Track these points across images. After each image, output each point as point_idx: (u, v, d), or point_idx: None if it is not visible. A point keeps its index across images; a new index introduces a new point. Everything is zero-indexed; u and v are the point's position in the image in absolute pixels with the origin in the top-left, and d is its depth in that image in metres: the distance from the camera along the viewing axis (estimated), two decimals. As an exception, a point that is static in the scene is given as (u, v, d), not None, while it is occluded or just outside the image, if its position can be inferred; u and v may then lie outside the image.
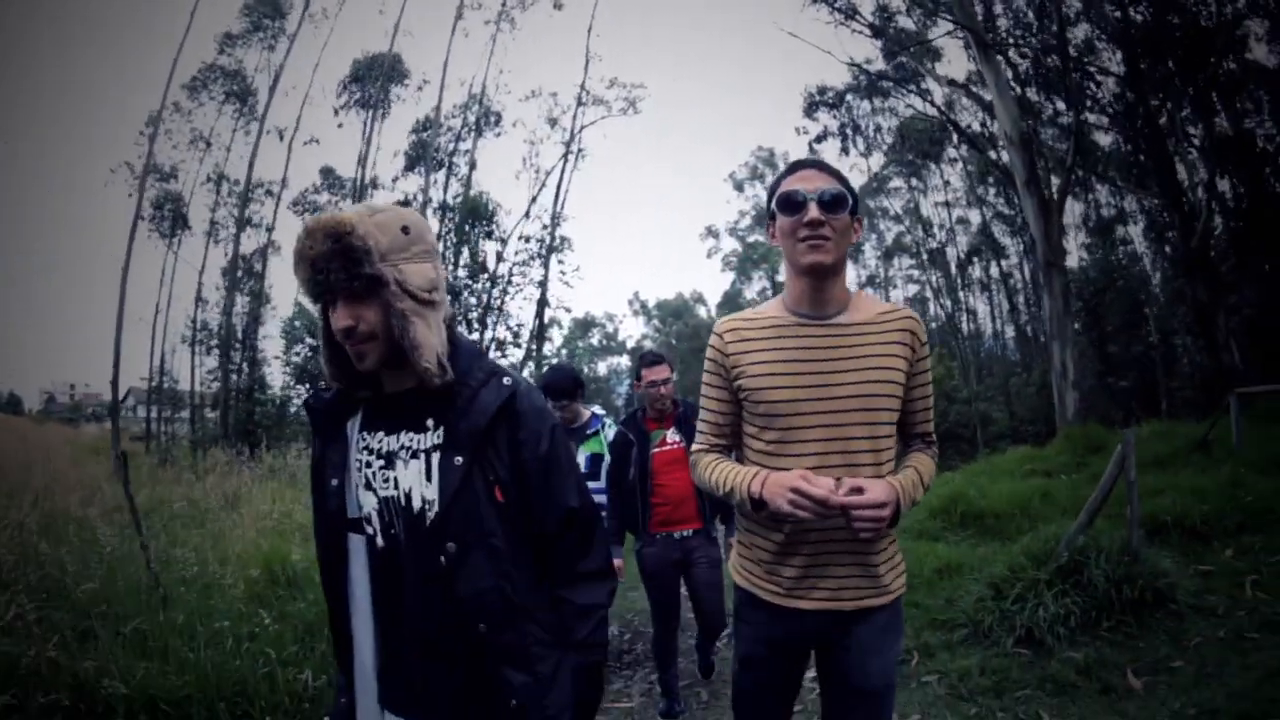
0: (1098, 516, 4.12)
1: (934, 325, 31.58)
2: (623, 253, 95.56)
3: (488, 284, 20.23)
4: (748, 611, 1.70)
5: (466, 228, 20.30)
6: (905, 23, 18.46)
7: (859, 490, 1.45)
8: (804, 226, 1.56)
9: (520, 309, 21.64)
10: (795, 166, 1.67)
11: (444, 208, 21.79)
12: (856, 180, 29.91)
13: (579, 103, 23.14)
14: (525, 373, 19.84)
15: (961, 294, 31.96)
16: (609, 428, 3.90)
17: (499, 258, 20.82)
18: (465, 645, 1.27)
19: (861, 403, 1.56)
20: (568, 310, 24.09)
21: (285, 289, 25.36)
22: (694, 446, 1.80)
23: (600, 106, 23.57)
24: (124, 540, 4.03)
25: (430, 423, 1.32)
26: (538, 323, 21.40)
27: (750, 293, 40.69)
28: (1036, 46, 15.22)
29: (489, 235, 20.60)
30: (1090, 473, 7.17)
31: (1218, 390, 8.98)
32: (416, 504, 1.29)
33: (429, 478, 1.29)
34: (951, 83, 17.97)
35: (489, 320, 20.16)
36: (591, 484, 3.72)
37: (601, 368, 48.03)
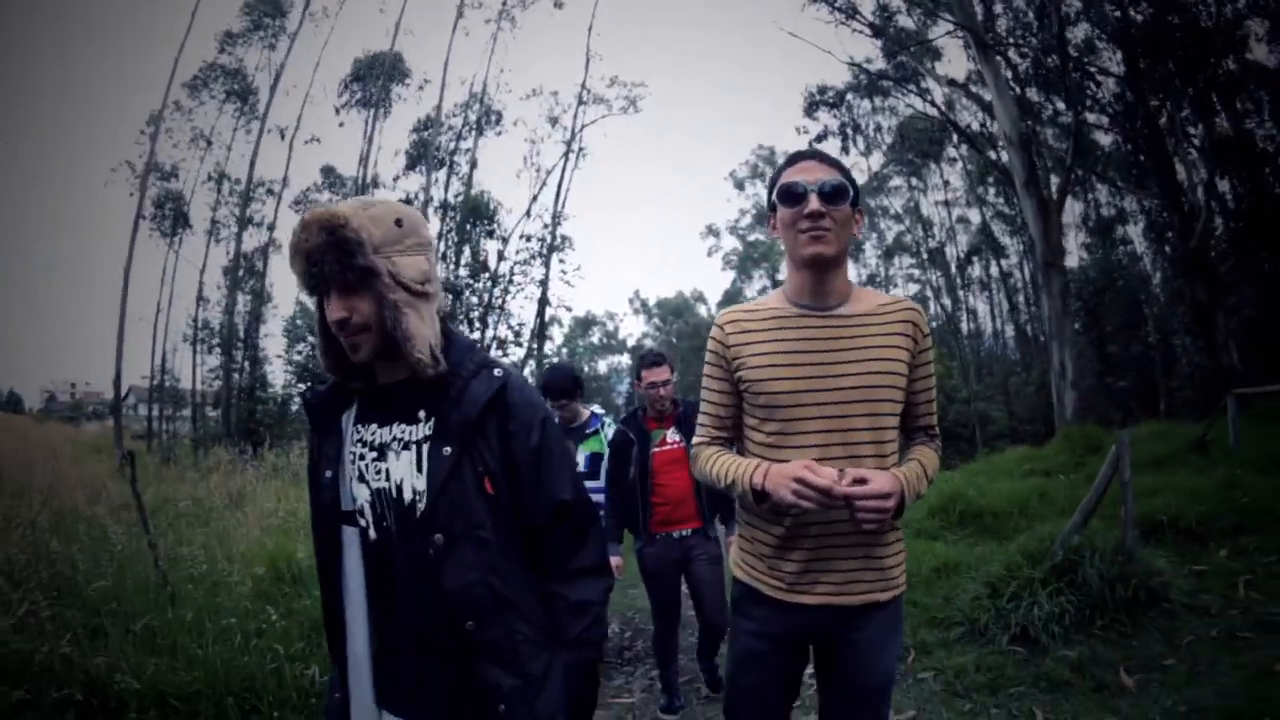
0: (1093, 516, 4.17)
1: (934, 324, 31.63)
2: (623, 251, 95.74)
3: (489, 283, 20.27)
4: (748, 606, 1.67)
5: (468, 227, 20.33)
6: (905, 22, 18.51)
7: (862, 481, 1.44)
8: (805, 218, 1.55)
9: (521, 308, 21.71)
10: (796, 158, 1.65)
11: (445, 206, 21.83)
12: (856, 179, 29.88)
13: (580, 101, 23.19)
14: (526, 371, 19.88)
15: (961, 293, 31.99)
16: (609, 426, 3.91)
17: (500, 256, 20.89)
18: (456, 642, 1.27)
19: (864, 394, 1.55)
20: (568, 309, 24.18)
21: (286, 288, 25.39)
22: (694, 439, 1.77)
23: (601, 105, 23.62)
24: (132, 539, 4.08)
25: (422, 414, 1.32)
26: (538, 322, 21.45)
27: (751, 291, 40.71)
28: (1036, 46, 15.24)
29: (490, 234, 20.67)
30: (1088, 473, 7.20)
31: (1216, 391, 9.02)
32: (408, 495, 1.30)
33: (420, 469, 1.30)
34: (951, 82, 18.01)
35: (490, 319, 20.20)
36: (591, 483, 3.73)
37: (602, 366, 48.09)
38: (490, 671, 1.26)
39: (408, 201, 22.41)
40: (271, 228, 22.85)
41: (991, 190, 26.35)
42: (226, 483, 6.71)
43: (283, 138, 22.92)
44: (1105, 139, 17.50)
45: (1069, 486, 6.93)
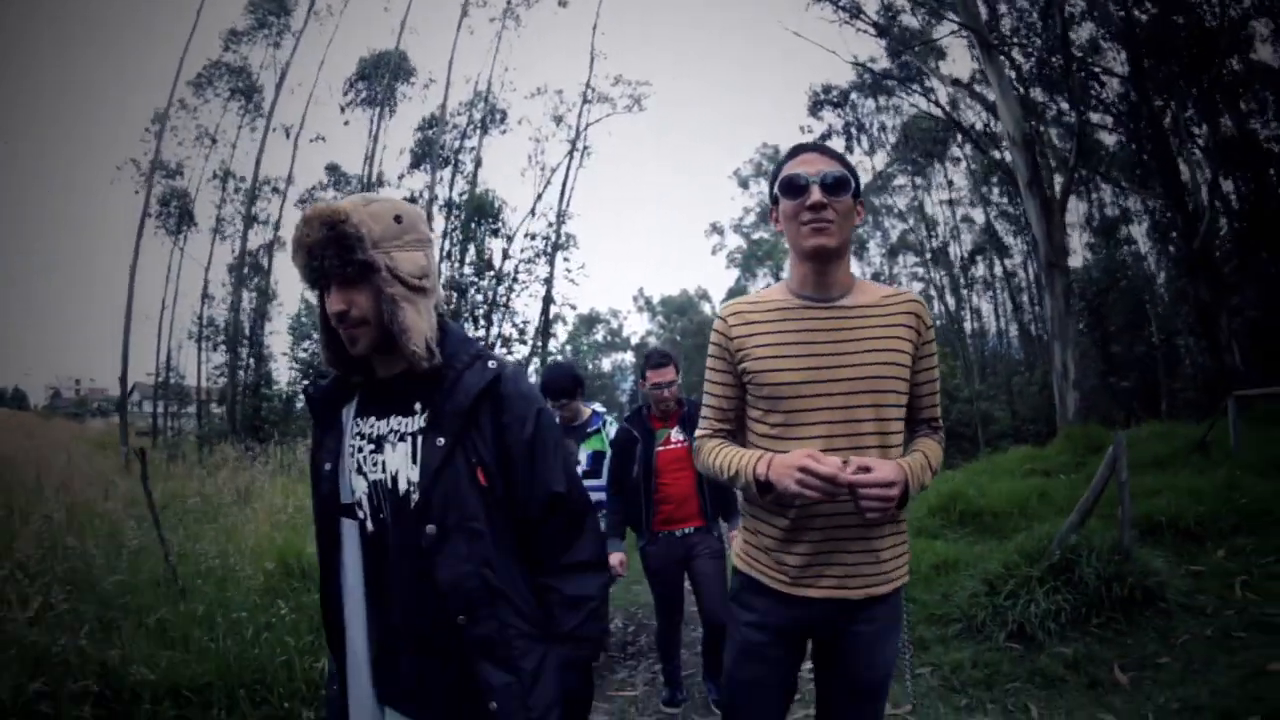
0: (1092, 516, 4.22)
1: (939, 324, 31.62)
2: (627, 249, 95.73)
3: (493, 281, 20.32)
4: (749, 597, 1.66)
5: (473, 225, 20.38)
6: (909, 21, 18.51)
7: (866, 469, 1.43)
8: (807, 210, 1.55)
9: (526, 306, 21.80)
10: (797, 150, 1.65)
11: (450, 205, 21.88)
12: (860, 178, 29.86)
13: (584, 100, 23.22)
14: (530, 369, 19.94)
15: (965, 292, 31.98)
16: (610, 425, 3.93)
17: (505, 255, 20.92)
18: (452, 638, 1.27)
19: (867, 384, 1.55)
20: (573, 307, 24.19)
21: (291, 285, 25.55)
22: (697, 432, 1.76)
23: (605, 103, 23.64)
24: (143, 534, 4.15)
25: (418, 406, 1.34)
26: (543, 320, 21.50)
27: (755, 289, 40.73)
28: (1040, 46, 15.23)
29: (495, 233, 20.70)
30: (1088, 472, 7.22)
31: (1219, 391, 9.03)
32: (403, 487, 1.31)
33: (414, 460, 1.31)
34: (955, 82, 18.00)
35: (495, 317, 20.26)
36: (594, 482, 3.75)
37: (606, 364, 48.17)
38: (482, 667, 1.26)
39: (412, 199, 22.49)
40: (276, 226, 22.95)
41: (995, 190, 26.34)
42: (234, 479, 6.79)
43: (288, 136, 23.03)
44: (1109, 139, 17.51)
45: (1069, 486, 6.96)
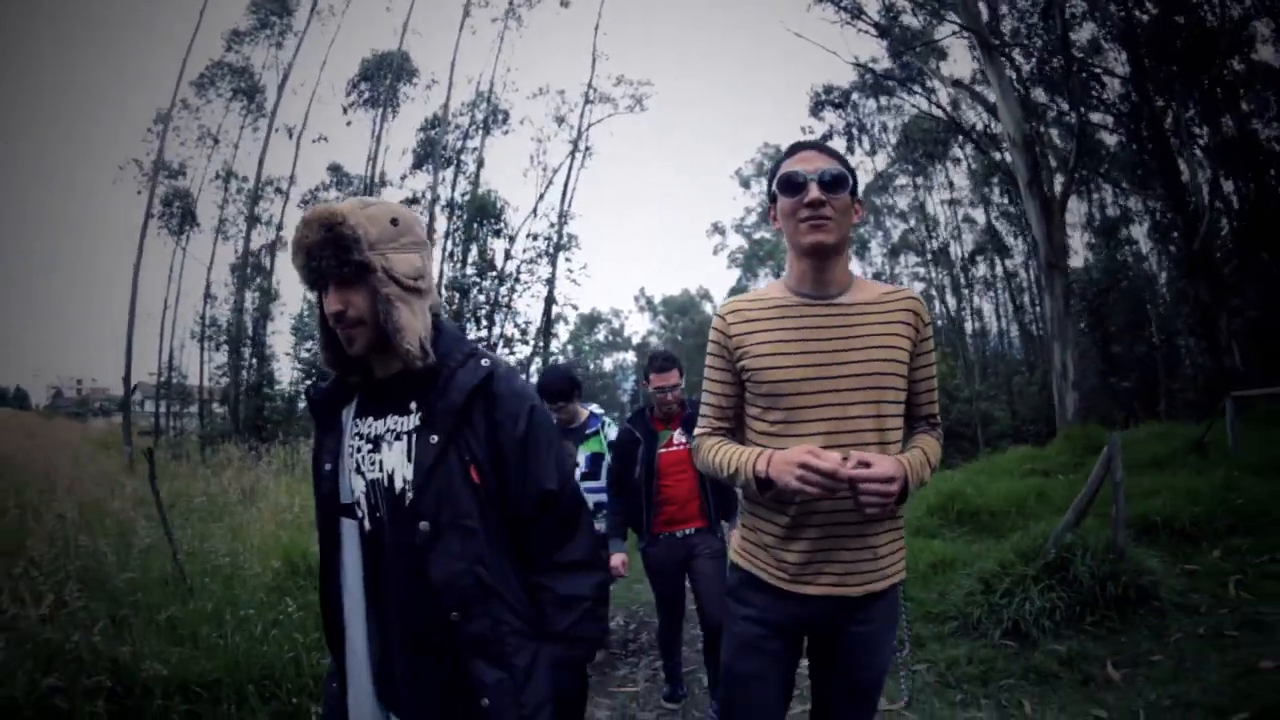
0: (1089, 516, 4.27)
1: (940, 323, 31.64)
2: (628, 249, 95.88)
3: (496, 281, 20.37)
4: (747, 593, 1.65)
5: (475, 226, 20.43)
6: (910, 21, 18.54)
7: (866, 464, 1.44)
8: (805, 207, 1.56)
9: (528, 306, 21.84)
10: (795, 148, 1.66)
11: (452, 205, 21.94)
12: (862, 179, 29.89)
13: (586, 100, 23.30)
14: (532, 369, 20.00)
15: (966, 292, 32.01)
16: (609, 426, 3.95)
17: (507, 255, 20.97)
18: (447, 637, 1.28)
19: (866, 381, 1.55)
20: (575, 307, 24.24)
21: (294, 285, 25.58)
22: (696, 430, 1.76)
23: (607, 104, 23.73)
24: (151, 533, 4.21)
25: (413, 405, 1.36)
26: (545, 320, 21.54)
27: (764, 284, 40.78)
28: (1041, 47, 15.26)
29: (497, 234, 20.76)
30: (1087, 473, 7.20)
31: (1218, 392, 9.07)
32: (398, 485, 1.32)
33: (409, 458, 1.32)
34: (956, 83, 18.03)
35: (497, 317, 20.31)
36: (592, 483, 3.79)
37: (607, 363, 48.23)
38: (474, 664, 1.27)
39: (414, 200, 22.63)
40: (279, 226, 23.03)
41: (996, 190, 26.36)
42: (239, 479, 6.84)
43: (290, 136, 23.10)
44: (1110, 139, 17.54)
45: (1067, 486, 7.00)
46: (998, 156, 17.01)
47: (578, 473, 3.81)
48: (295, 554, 4.21)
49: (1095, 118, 16.01)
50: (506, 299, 20.61)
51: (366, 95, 23.57)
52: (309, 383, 1.52)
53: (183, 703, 2.92)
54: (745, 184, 39.06)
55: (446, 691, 1.30)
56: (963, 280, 31.55)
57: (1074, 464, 8.59)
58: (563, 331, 27.66)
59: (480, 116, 23.08)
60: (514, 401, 1.36)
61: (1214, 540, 4.92)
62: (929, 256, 31.98)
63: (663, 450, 3.49)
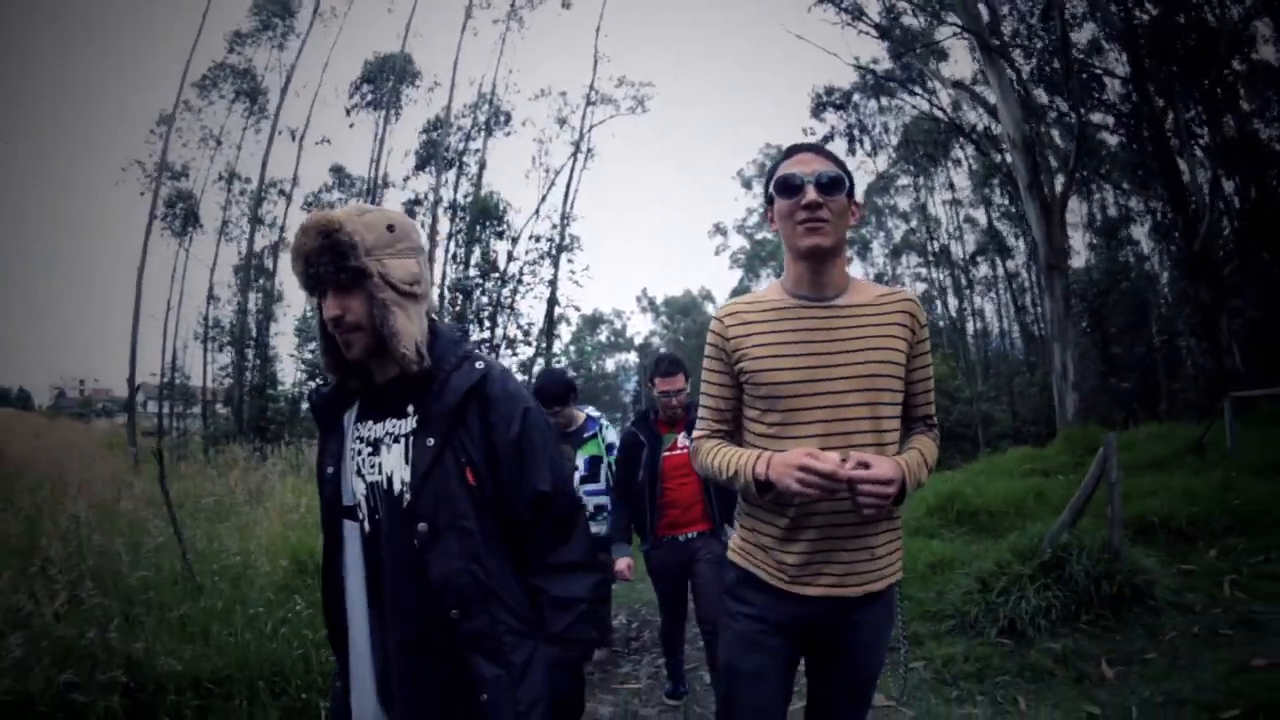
0: (1086, 516, 4.32)
1: (941, 324, 31.67)
2: (630, 249, 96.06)
3: (498, 283, 20.42)
4: (746, 591, 1.65)
5: (477, 227, 20.49)
6: (911, 22, 18.59)
7: (865, 465, 1.44)
8: (802, 209, 1.56)
9: (530, 308, 21.83)
10: (792, 150, 1.66)
11: (454, 207, 22.00)
12: (863, 179, 30.04)
13: (588, 102, 23.33)
14: (535, 370, 20.06)
15: (967, 293, 32.03)
16: (607, 429, 3.97)
17: (509, 257, 21.02)
18: (446, 635, 1.30)
19: (863, 383, 1.55)
20: (577, 308, 24.26)
21: (297, 287, 25.64)
22: (694, 433, 1.76)
23: (609, 105, 23.75)
24: (161, 533, 4.27)
25: (411, 408, 1.38)
26: (547, 322, 21.58)
27: (758, 290, 40.81)
28: (1041, 49, 15.29)
29: (500, 235, 20.79)
30: (1085, 473, 7.32)
31: (1218, 393, 9.11)
32: (397, 487, 1.35)
33: (407, 461, 1.35)
34: (957, 84, 18.05)
35: (499, 318, 20.35)
36: (591, 486, 3.83)
37: (610, 364, 48.30)
38: (473, 661, 1.29)
39: (417, 202, 22.68)
40: (282, 228, 23.12)
41: (997, 191, 26.39)
42: (245, 479, 6.91)
43: (294, 138, 23.20)
44: (1111, 139, 17.57)
45: (1066, 487, 7.03)
46: (998, 158, 17.05)
47: (576, 476, 3.84)
48: (302, 553, 4.27)
49: (1096, 118, 16.05)
50: (509, 300, 20.66)
51: (369, 97, 23.66)
52: (313, 385, 1.54)
53: (195, 698, 2.98)
54: (747, 185, 39.15)
55: (445, 691, 1.32)
56: (964, 281, 31.57)
57: (1073, 464, 8.62)
58: (565, 332, 27.67)
59: (482, 118, 23.16)
60: (508, 403, 1.38)
61: (1211, 540, 4.96)
62: (931, 258, 32.01)
63: (667, 454, 3.49)
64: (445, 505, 1.32)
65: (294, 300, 22.55)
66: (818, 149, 1.66)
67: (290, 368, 21.17)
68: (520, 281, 20.92)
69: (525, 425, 1.37)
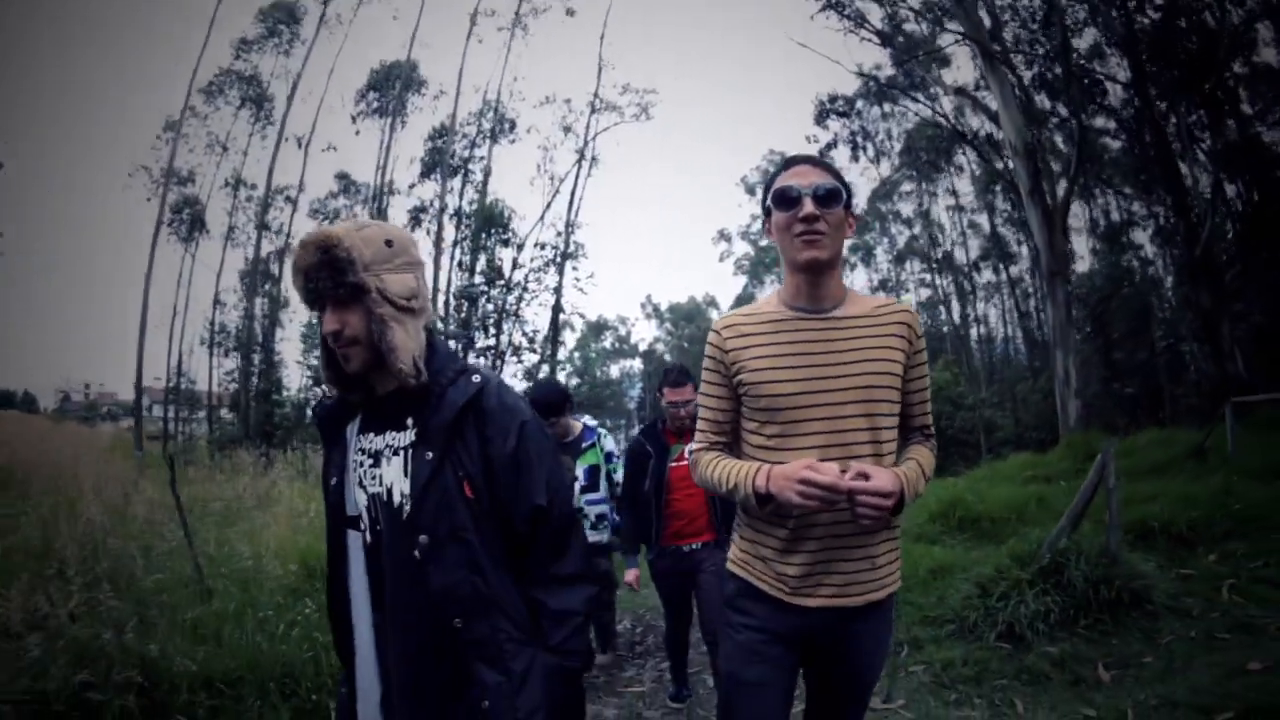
0: (1085, 521, 4.36)
1: (945, 330, 31.68)
2: (634, 254, 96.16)
3: (504, 290, 20.49)
4: (747, 602, 1.65)
5: (483, 235, 20.57)
6: (913, 29, 18.67)
7: (865, 476, 1.45)
8: (799, 222, 1.57)
9: (536, 315, 21.90)
10: (790, 162, 1.66)
11: (459, 214, 22.10)
12: (867, 186, 30.13)
13: (593, 110, 23.46)
14: (540, 376, 20.12)
15: (971, 298, 32.04)
16: (605, 437, 4.00)
17: (514, 264, 21.12)
18: (447, 642, 1.32)
19: (861, 394, 1.56)
20: (582, 316, 24.32)
21: (301, 296, 25.78)
22: (693, 445, 1.76)
23: (613, 112, 23.88)
24: (173, 535, 4.35)
25: (410, 421, 1.40)
26: (552, 330, 21.64)
27: (762, 296, 40.82)
28: (1042, 56, 15.34)
29: (505, 243, 20.86)
30: (1086, 479, 7.36)
31: (1221, 398, 9.14)
32: (397, 499, 1.37)
33: (407, 473, 1.37)
34: (959, 90, 18.14)
35: (505, 325, 20.42)
36: (591, 496, 3.88)
37: (614, 370, 48.35)
38: (475, 667, 1.32)
39: (422, 209, 22.78)
40: (288, 235, 23.29)
41: (1000, 197, 26.44)
42: (255, 484, 6.98)
43: (299, 145, 23.38)
44: (1114, 144, 17.60)
45: (1068, 493, 7.01)
46: (1000, 164, 17.10)
47: (576, 486, 3.87)
48: (311, 557, 4.33)
49: (1098, 123, 16.09)
50: (514, 308, 20.73)
51: (375, 105, 23.83)
52: (318, 391, 1.57)
53: (208, 698, 3.05)
54: (751, 191, 39.20)
55: (444, 700, 1.34)
56: (968, 287, 31.58)
57: (1075, 470, 8.63)
58: (569, 339, 27.73)
59: (487, 125, 23.33)
60: (504, 417, 1.39)
61: (1210, 545, 4.98)
62: (934, 264, 32.04)
63: (673, 464, 3.49)
64: (445, 517, 1.34)
65: (300, 306, 22.42)
66: (815, 161, 1.67)
67: (296, 373, 21.30)
68: (525, 289, 21.00)
69: (522, 438, 1.39)
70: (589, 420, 4.09)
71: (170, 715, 2.92)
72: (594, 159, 23.50)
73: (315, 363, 18.43)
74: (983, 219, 29.55)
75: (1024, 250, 27.02)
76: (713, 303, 49.35)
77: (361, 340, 1.36)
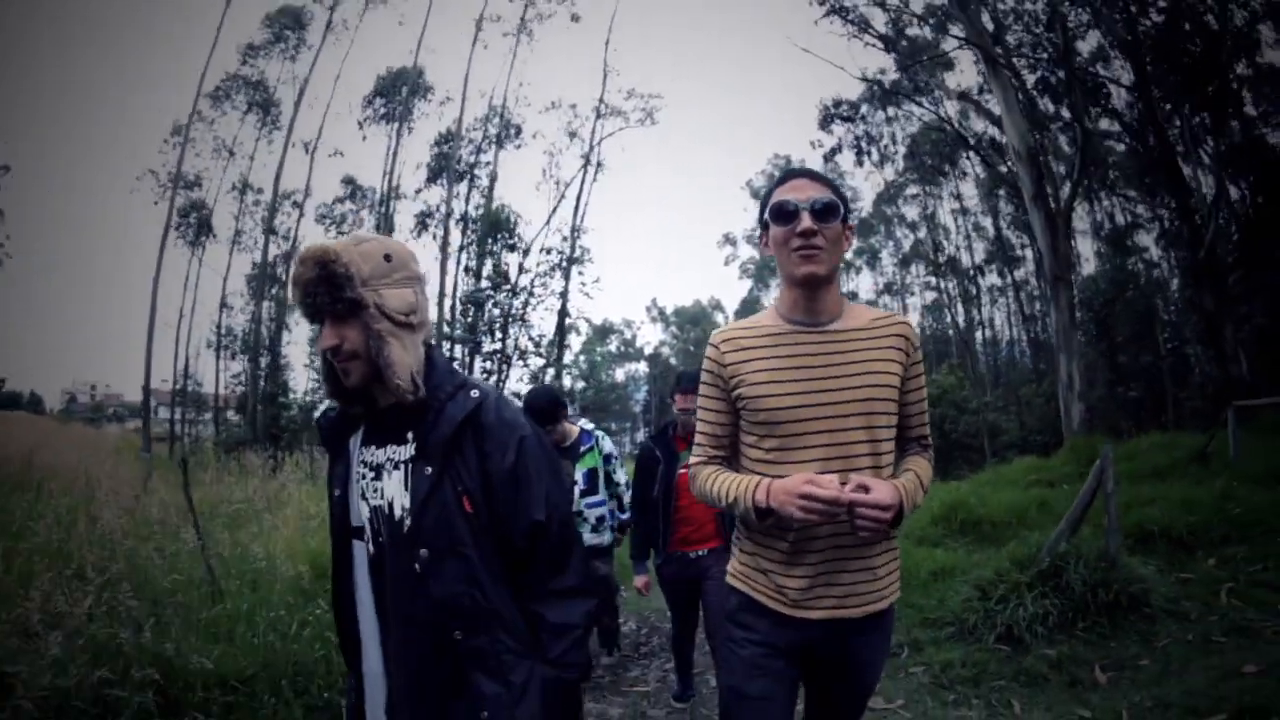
0: (1086, 525, 4.42)
1: (949, 333, 31.66)
2: (639, 258, 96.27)
3: (509, 294, 20.59)
4: (748, 617, 1.66)
5: (489, 240, 20.67)
6: (916, 33, 18.73)
7: (865, 488, 1.46)
8: (797, 236, 1.57)
9: (541, 319, 21.98)
10: (787, 176, 1.66)
11: (465, 219, 22.22)
12: (871, 190, 30.17)
13: (598, 115, 23.57)
14: (546, 380, 20.22)
15: (976, 301, 32.03)
16: (603, 439, 4.03)
17: (520, 269, 21.22)
18: (446, 652, 1.33)
19: (860, 407, 1.56)
20: (588, 320, 24.40)
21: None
22: (692, 459, 1.76)
23: (618, 117, 24.00)
24: (187, 536, 4.43)
25: (410, 435, 1.39)
26: (558, 336, 21.72)
27: (768, 300, 40.91)
28: (1045, 61, 15.37)
29: (511, 248, 20.96)
30: (1089, 483, 7.40)
31: (1224, 401, 9.16)
32: (397, 513, 1.37)
33: (407, 487, 1.37)
34: (962, 96, 18.20)
35: (511, 330, 20.51)
36: (590, 499, 3.90)
37: (619, 374, 48.41)
38: (475, 678, 1.33)
39: (429, 214, 22.91)
40: (294, 239, 23.45)
41: (1004, 201, 26.44)
42: (265, 486, 7.06)
43: (306, 150, 23.54)
44: (1118, 146, 17.61)
45: (1070, 497, 7.02)
46: (1003, 169, 17.13)
47: (576, 490, 3.88)
48: (321, 559, 4.38)
49: (1102, 125, 16.09)
50: (520, 312, 20.82)
51: (382, 111, 23.98)
52: (325, 408, 1.62)
53: (221, 695, 3.12)
54: (756, 194, 39.30)
55: (445, 709, 1.35)
56: (973, 290, 31.57)
57: (1078, 474, 8.61)
58: (575, 342, 27.82)
59: (493, 131, 23.50)
60: (503, 432, 1.39)
61: (1209, 549, 5.02)
62: (939, 266, 32.04)
63: (683, 470, 3.43)
64: (444, 533, 1.34)
65: (306, 310, 22.77)
66: (812, 174, 1.67)
67: (303, 376, 21.41)
68: (531, 293, 21.11)
69: (520, 454, 1.39)
70: (586, 424, 4.11)
71: (186, 712, 3.00)
72: (599, 164, 23.62)
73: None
74: (988, 222, 29.57)
75: (1029, 253, 27.01)
76: (718, 306, 49.49)
77: (360, 355, 1.36)
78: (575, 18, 23.81)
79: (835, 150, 25.10)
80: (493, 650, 1.33)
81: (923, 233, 32.79)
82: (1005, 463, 12.78)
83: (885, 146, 27.64)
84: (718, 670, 3.63)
